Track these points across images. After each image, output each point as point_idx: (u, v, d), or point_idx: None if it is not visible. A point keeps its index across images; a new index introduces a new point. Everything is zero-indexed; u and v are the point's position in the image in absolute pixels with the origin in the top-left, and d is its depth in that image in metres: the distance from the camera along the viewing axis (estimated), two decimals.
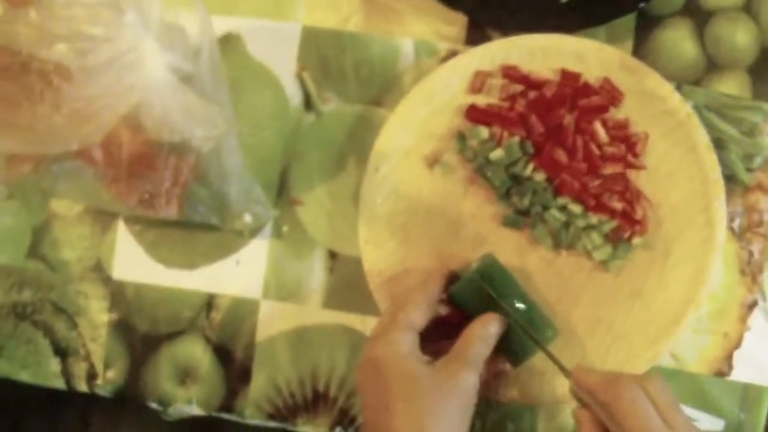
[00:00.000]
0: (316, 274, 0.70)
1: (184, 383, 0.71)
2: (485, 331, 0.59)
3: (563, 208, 0.67)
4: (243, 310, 0.71)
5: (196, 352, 0.71)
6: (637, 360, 0.66)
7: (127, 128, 0.65)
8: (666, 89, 0.66)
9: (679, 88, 0.68)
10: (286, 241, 0.70)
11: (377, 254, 0.68)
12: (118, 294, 0.71)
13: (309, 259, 0.70)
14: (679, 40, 0.69)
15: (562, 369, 0.59)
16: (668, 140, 0.67)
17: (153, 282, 0.71)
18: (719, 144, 0.67)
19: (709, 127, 0.67)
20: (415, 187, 0.68)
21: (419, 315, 0.59)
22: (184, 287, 0.71)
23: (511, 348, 0.62)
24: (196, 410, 0.71)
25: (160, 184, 0.66)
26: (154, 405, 0.71)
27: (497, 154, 0.67)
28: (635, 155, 0.67)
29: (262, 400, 0.70)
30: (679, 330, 0.66)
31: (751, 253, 0.66)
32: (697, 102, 0.68)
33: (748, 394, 0.67)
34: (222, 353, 0.71)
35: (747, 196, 0.67)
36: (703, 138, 0.66)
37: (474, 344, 0.59)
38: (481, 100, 0.68)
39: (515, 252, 0.67)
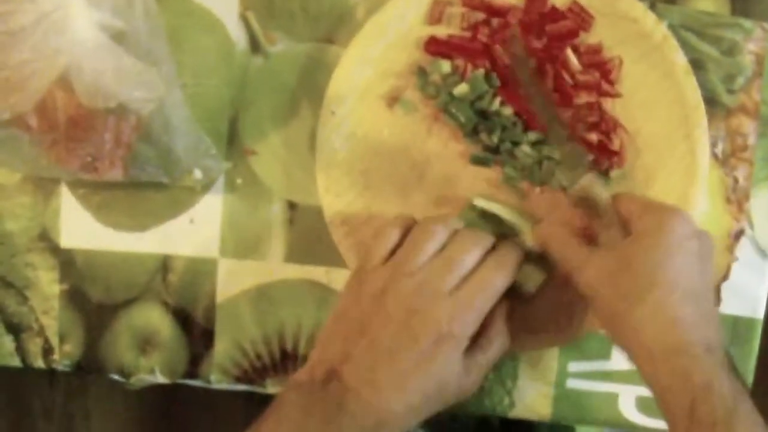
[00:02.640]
0: (275, 228, 0.72)
1: (144, 352, 0.74)
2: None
3: (535, 143, 0.67)
4: (200, 271, 0.73)
5: (154, 318, 0.73)
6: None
7: (62, 90, 0.66)
8: (639, 9, 0.68)
9: (653, 7, 0.69)
10: (241, 195, 0.72)
11: (338, 203, 0.70)
12: (67, 263, 0.73)
13: (267, 211, 0.72)
14: None
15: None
16: (644, 64, 0.68)
17: (103, 247, 0.73)
18: (698, 65, 0.69)
19: (687, 47, 0.68)
20: (374, 129, 0.70)
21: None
22: (136, 250, 0.73)
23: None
24: (160, 378, 0.74)
25: (102, 146, 0.67)
26: (115, 376, 0.73)
27: (461, 88, 0.68)
28: (610, 82, 0.68)
29: (228, 364, 0.73)
30: None
31: (735, 180, 0.66)
32: (673, 21, 0.69)
33: (738, 327, 0.71)
34: (182, 317, 0.73)
35: (729, 119, 0.67)
36: (680, 60, 0.68)
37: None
38: (441, 31, 0.69)
39: (486, 191, 0.69)
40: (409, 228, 0.63)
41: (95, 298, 0.73)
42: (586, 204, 0.64)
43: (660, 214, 0.58)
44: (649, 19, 0.67)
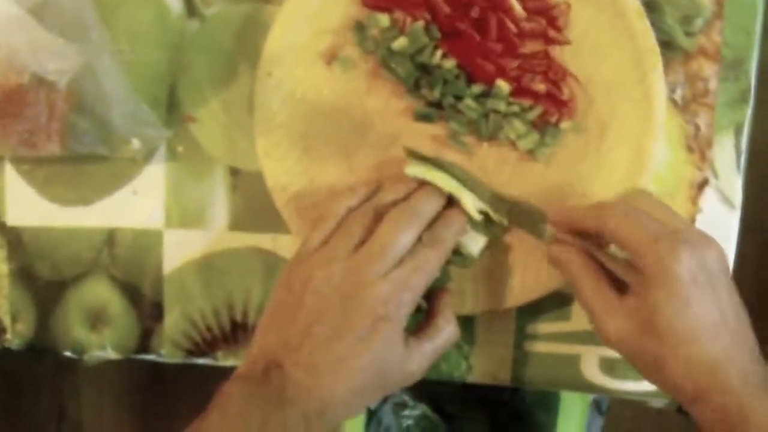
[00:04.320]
0: (218, 195, 0.72)
1: (95, 328, 0.75)
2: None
3: (479, 97, 0.66)
4: (146, 243, 0.73)
5: (103, 292, 0.74)
6: None
7: None
8: None
9: None
10: (183, 163, 0.72)
11: (279, 167, 0.70)
12: (14, 241, 0.75)
13: (209, 179, 0.72)
14: None
15: (534, 225, 0.62)
16: (592, 8, 0.66)
17: (49, 224, 0.74)
18: (652, 7, 0.67)
19: None
20: (313, 89, 0.69)
21: None
22: (82, 225, 0.74)
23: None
24: (111, 354, 0.75)
25: (36, 119, 0.68)
26: (68, 353, 0.74)
27: (400, 42, 0.66)
28: (557, 29, 0.66)
29: (179, 337, 0.74)
30: None
31: (697, 127, 0.65)
32: None
33: None
34: (130, 291, 0.74)
35: (688, 63, 0.65)
36: (632, 2, 0.65)
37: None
38: None
39: (431, 148, 0.68)
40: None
41: (44, 276, 0.74)
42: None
43: (663, 250, 0.55)
44: None
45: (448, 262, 0.63)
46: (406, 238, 0.60)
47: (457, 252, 0.64)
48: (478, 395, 1.03)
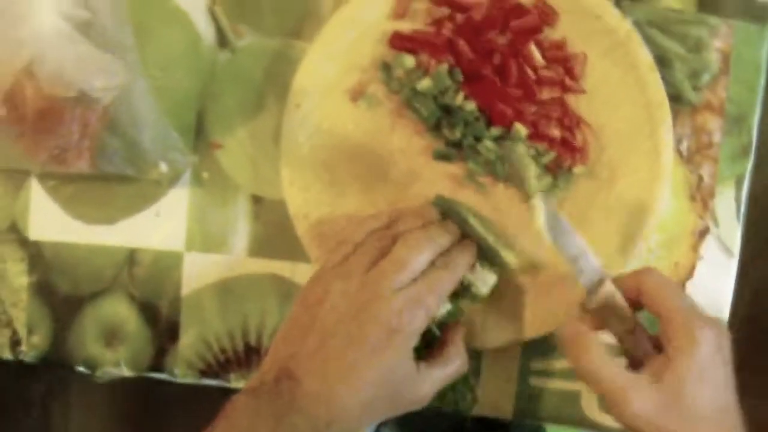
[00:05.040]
0: (240, 222, 0.74)
1: (110, 344, 0.77)
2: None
3: (497, 139, 0.69)
4: (166, 264, 0.75)
5: (120, 310, 0.76)
6: (583, 295, 0.66)
7: (30, 82, 0.68)
8: (603, 5, 0.69)
9: (617, 3, 0.70)
10: (208, 188, 0.74)
11: (303, 197, 0.72)
12: (36, 255, 0.76)
13: (232, 205, 0.74)
14: None
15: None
16: (608, 61, 0.70)
17: (72, 240, 0.76)
18: (663, 62, 0.71)
19: (652, 44, 0.70)
20: (339, 123, 0.72)
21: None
22: (104, 243, 0.76)
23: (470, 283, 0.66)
24: (125, 372, 0.76)
25: (69, 137, 0.70)
26: (81, 369, 0.75)
27: (425, 83, 0.70)
28: (573, 78, 0.70)
29: (193, 357, 0.75)
30: (627, 262, 0.69)
31: (700, 178, 0.68)
32: (638, 18, 0.71)
33: None
34: (147, 310, 0.76)
35: (695, 116, 0.68)
36: (645, 57, 0.69)
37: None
38: (406, 26, 0.71)
39: (449, 187, 0.71)
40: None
41: (63, 291, 0.76)
42: (606, 313, 0.62)
43: (694, 321, 0.57)
44: (613, 15, 0.69)
45: (459, 298, 0.66)
46: (421, 258, 0.62)
47: (468, 289, 0.67)
48: None
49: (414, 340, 0.61)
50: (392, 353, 0.59)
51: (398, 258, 0.62)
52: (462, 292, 0.67)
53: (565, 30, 0.70)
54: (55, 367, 0.77)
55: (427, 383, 0.62)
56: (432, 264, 0.63)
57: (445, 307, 0.65)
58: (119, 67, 0.67)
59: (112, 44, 0.69)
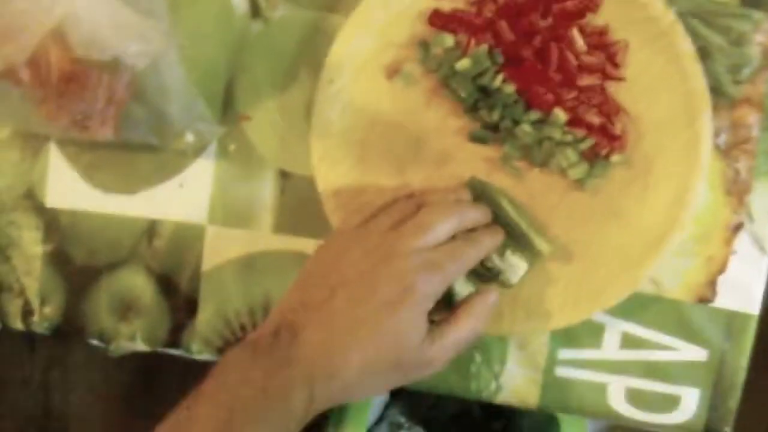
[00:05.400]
0: (266, 196, 0.73)
1: (126, 317, 0.75)
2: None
3: (535, 123, 0.69)
4: (187, 237, 0.74)
5: (137, 283, 0.75)
6: (614, 286, 0.69)
7: (56, 45, 0.66)
8: None
9: None
10: (233, 161, 0.73)
11: (332, 173, 0.71)
12: (52, 223, 0.75)
13: (258, 179, 0.73)
14: None
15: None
16: (650, 49, 0.69)
17: (90, 209, 0.74)
18: (704, 54, 0.70)
19: (694, 35, 0.69)
20: (373, 100, 0.71)
21: None
22: (123, 213, 0.74)
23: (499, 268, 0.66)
24: (140, 346, 0.75)
25: (94, 103, 0.68)
26: (95, 342, 0.75)
27: (463, 63, 0.69)
28: (615, 65, 0.69)
29: (210, 334, 0.74)
30: (660, 253, 0.68)
31: (737, 172, 0.68)
32: (682, 8, 0.70)
33: (733, 322, 0.72)
34: (165, 284, 0.74)
35: (734, 110, 0.69)
36: (687, 47, 0.68)
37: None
38: (446, 5, 0.70)
39: (483, 169, 0.70)
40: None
41: (78, 261, 0.75)
42: None
43: None
44: (658, 4, 0.68)
45: (486, 283, 0.66)
46: (444, 226, 0.61)
47: (497, 277, 0.66)
48: (473, 423, 1.05)
49: (428, 304, 0.58)
50: (403, 312, 0.57)
51: (421, 222, 0.60)
52: (491, 278, 0.66)
53: (608, 16, 0.69)
54: (68, 337, 0.75)
55: (437, 346, 0.59)
56: (455, 236, 0.62)
57: (468, 289, 0.64)
58: (155, 33, 0.65)
59: (147, 10, 0.67)
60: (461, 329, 0.60)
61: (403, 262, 0.58)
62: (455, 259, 0.60)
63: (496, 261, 0.66)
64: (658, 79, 0.69)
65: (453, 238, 0.62)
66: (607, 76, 0.69)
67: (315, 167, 0.71)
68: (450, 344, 0.60)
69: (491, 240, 0.64)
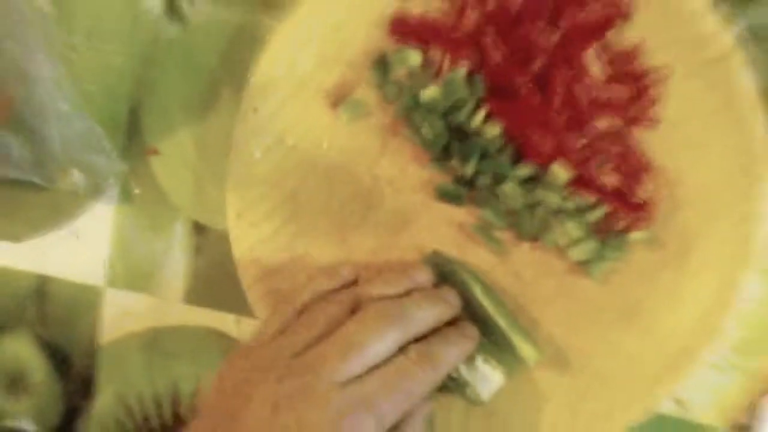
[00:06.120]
0: (177, 255, 0.63)
1: (12, 394, 0.65)
2: None
3: (527, 181, 0.56)
4: (82, 301, 0.64)
5: (25, 353, 0.65)
6: (624, 407, 0.56)
7: None
8: (699, 2, 0.53)
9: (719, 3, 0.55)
10: (138, 209, 0.63)
11: (253, 235, 0.60)
12: None
13: (168, 233, 0.63)
14: None
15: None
16: (697, 84, 0.54)
17: None
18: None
19: (764, 68, 0.54)
20: (309, 137, 0.59)
21: None
22: (6, 266, 0.64)
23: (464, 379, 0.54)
24: (29, 427, 0.65)
25: None
26: None
27: (432, 92, 0.56)
28: (647, 103, 0.55)
29: (110, 422, 0.64)
30: (692, 366, 0.56)
31: None
32: (747, 26, 0.55)
33: None
34: (58, 358, 0.65)
35: None
36: (747, 84, 0.53)
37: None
38: (415, 8, 0.57)
39: (452, 240, 0.58)
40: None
41: None
42: None
43: None
44: (711, 19, 0.53)
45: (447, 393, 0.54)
46: (380, 343, 0.49)
47: (462, 390, 0.54)
48: None
49: None
50: None
51: (348, 337, 0.49)
52: (453, 389, 0.54)
53: (643, 30, 0.54)
54: None
55: None
56: (404, 350, 0.50)
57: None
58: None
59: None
60: None
61: (321, 405, 0.47)
62: (395, 390, 0.49)
63: (462, 370, 0.53)
64: (708, 126, 0.54)
65: (401, 349, 0.50)
66: (634, 119, 0.55)
67: (231, 225, 0.59)
68: None
69: (456, 352, 0.52)
